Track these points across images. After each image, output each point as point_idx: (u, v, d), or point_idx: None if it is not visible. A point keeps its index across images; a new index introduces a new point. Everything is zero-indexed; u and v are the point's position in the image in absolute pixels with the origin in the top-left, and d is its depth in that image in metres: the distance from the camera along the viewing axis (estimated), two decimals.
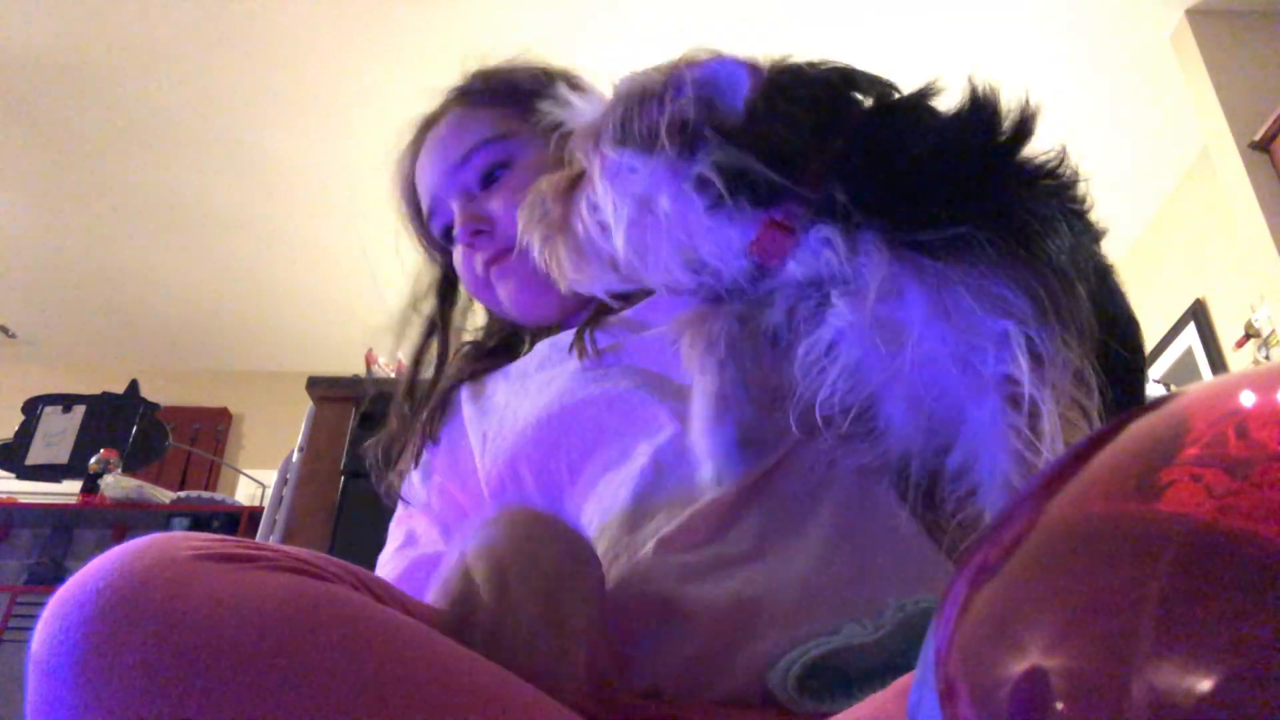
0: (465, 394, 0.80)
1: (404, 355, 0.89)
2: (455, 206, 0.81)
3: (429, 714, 0.36)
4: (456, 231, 0.81)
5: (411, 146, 0.89)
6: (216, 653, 0.34)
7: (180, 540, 0.39)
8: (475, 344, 0.89)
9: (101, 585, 0.36)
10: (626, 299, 0.68)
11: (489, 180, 0.81)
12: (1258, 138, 2.72)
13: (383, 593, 0.44)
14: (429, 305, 0.89)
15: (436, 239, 0.87)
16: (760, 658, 0.48)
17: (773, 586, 0.51)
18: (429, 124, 0.88)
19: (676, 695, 0.51)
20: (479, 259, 0.81)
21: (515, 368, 0.77)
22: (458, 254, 0.83)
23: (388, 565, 0.76)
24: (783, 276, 0.53)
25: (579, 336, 0.71)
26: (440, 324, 0.88)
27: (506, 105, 0.83)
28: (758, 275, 0.54)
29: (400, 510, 0.82)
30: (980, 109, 0.51)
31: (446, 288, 0.90)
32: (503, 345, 0.88)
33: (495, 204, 0.79)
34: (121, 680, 0.34)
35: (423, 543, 0.76)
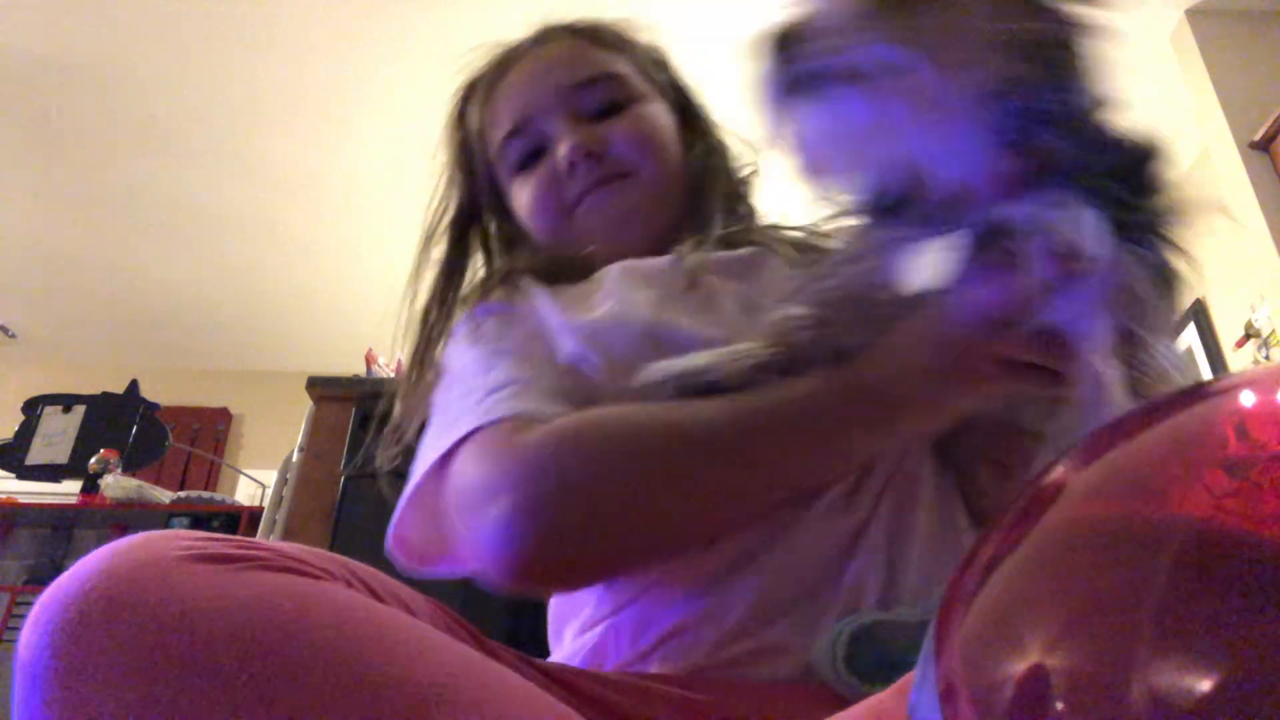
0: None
1: (419, 303, 0.81)
2: (563, 127, 0.75)
3: (422, 713, 0.36)
4: (562, 151, 0.74)
5: (496, 66, 0.83)
6: (199, 656, 0.34)
7: (169, 539, 0.39)
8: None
9: (88, 587, 0.36)
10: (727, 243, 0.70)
11: (606, 112, 0.76)
12: (1258, 138, 2.72)
13: (380, 589, 0.43)
14: (444, 247, 0.83)
15: (491, 166, 0.80)
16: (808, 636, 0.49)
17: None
18: (519, 52, 0.82)
19: (713, 678, 0.51)
20: (574, 185, 0.75)
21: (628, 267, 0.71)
22: (528, 185, 0.77)
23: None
24: (985, 211, 0.50)
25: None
26: (457, 264, 0.82)
27: (624, 54, 0.80)
28: (960, 202, 0.50)
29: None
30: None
31: (468, 223, 0.84)
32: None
33: (614, 131, 0.75)
34: (103, 683, 0.34)
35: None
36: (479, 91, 0.82)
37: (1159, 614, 0.20)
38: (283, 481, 1.78)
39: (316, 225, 3.99)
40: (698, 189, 0.79)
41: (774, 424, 0.52)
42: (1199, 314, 3.40)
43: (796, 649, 0.50)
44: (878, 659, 0.46)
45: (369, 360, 2.52)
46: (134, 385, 3.30)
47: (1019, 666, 0.22)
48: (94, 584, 0.36)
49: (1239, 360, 3.19)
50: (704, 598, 0.53)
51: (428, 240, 0.83)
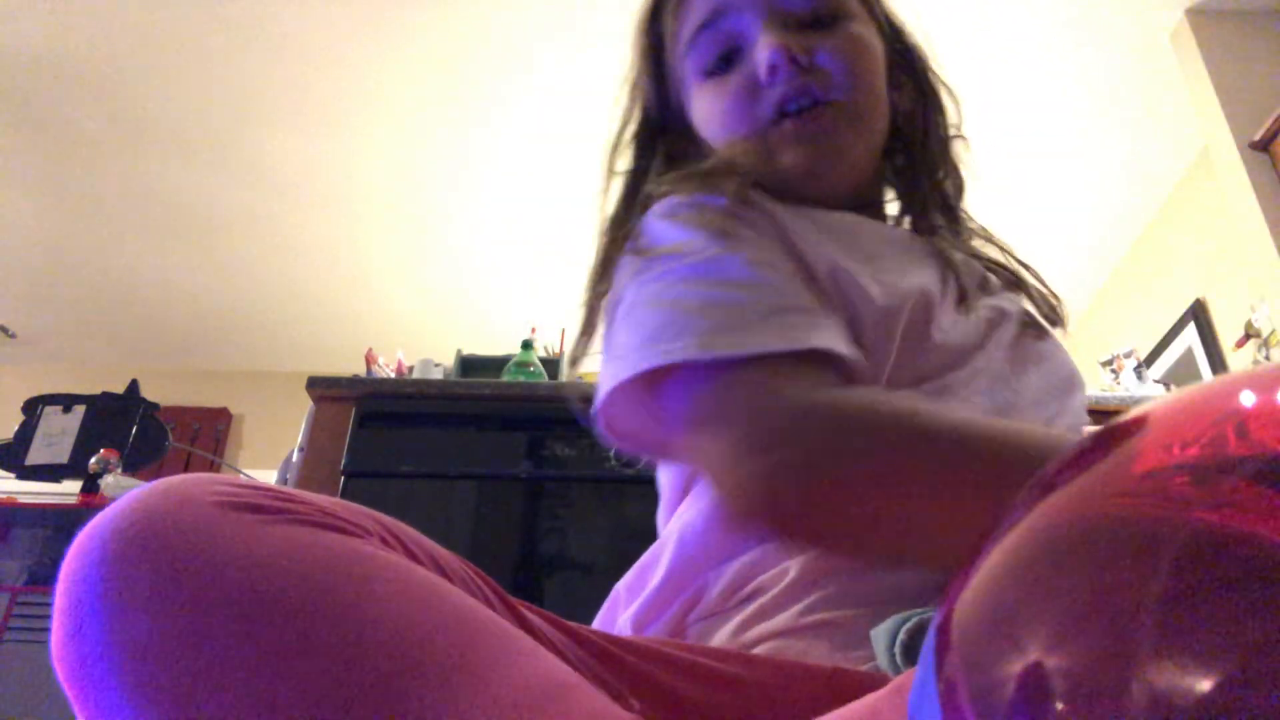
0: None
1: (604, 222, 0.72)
2: (768, 27, 0.66)
3: (441, 679, 0.36)
4: (763, 53, 0.65)
5: None
6: (230, 611, 0.35)
7: (207, 483, 0.39)
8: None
9: (123, 525, 0.36)
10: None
11: (814, 23, 0.67)
12: (1258, 138, 2.72)
13: (416, 548, 0.43)
14: (627, 160, 0.75)
15: (681, 63, 0.71)
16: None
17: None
18: None
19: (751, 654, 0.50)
20: (773, 94, 0.65)
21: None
22: (718, 92, 0.68)
23: None
24: None
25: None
26: (646, 173, 0.73)
27: None
28: None
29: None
30: None
31: (654, 137, 0.75)
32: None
33: (823, 44, 0.66)
34: (132, 630, 0.34)
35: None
36: None
37: (1159, 614, 0.20)
38: (283, 481, 1.78)
39: (316, 225, 3.99)
40: (901, 137, 0.73)
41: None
42: (1199, 314, 3.40)
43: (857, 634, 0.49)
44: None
45: (369, 360, 2.52)
46: (134, 385, 3.30)
47: (1019, 666, 0.22)
48: (133, 520, 0.36)
49: (1239, 360, 3.19)
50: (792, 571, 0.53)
51: (612, 154, 0.75)
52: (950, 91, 0.75)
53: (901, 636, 0.45)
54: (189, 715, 0.33)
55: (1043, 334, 0.67)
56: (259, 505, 0.39)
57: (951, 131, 0.75)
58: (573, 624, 0.49)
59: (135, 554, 0.36)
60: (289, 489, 0.42)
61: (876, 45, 0.70)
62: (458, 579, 0.43)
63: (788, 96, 0.65)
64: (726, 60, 0.68)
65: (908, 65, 0.75)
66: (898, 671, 0.45)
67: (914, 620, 0.46)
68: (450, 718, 0.35)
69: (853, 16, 0.69)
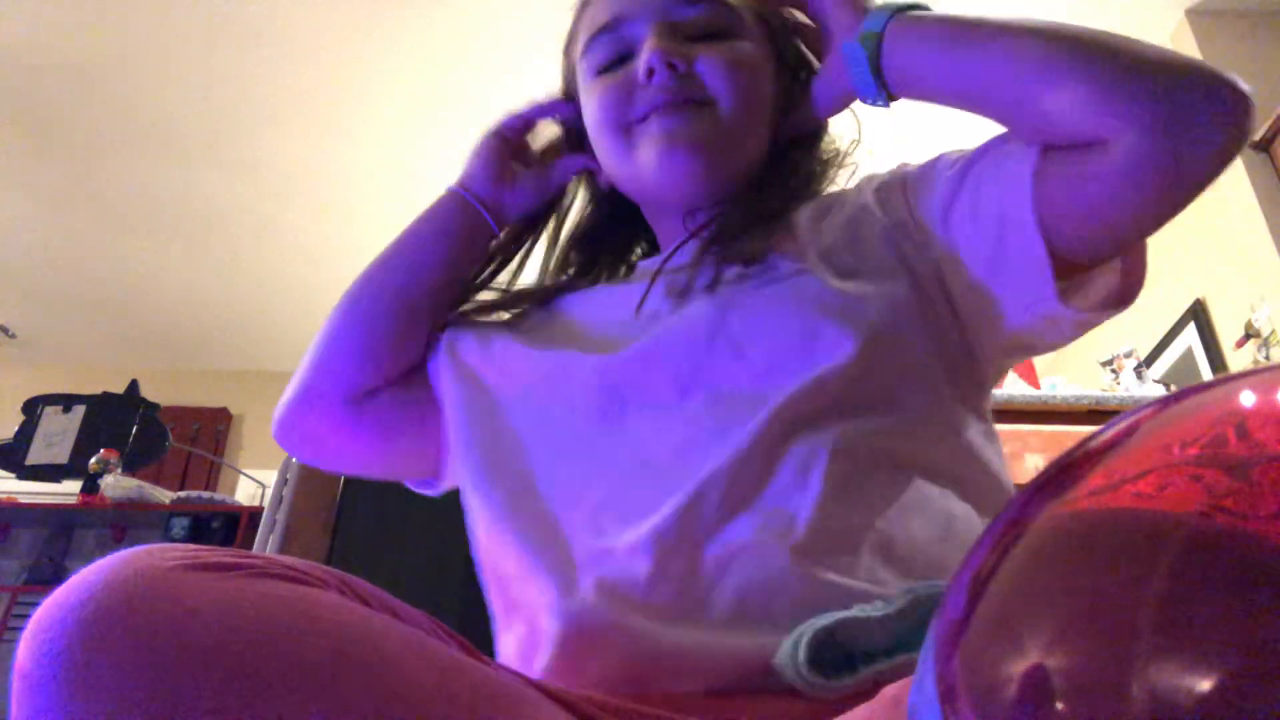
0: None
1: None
2: (652, 31, 0.69)
3: (423, 711, 0.37)
4: (643, 55, 0.68)
5: None
6: (196, 658, 0.35)
7: (164, 551, 0.39)
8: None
9: (85, 597, 0.36)
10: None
11: (704, 36, 0.70)
12: (1258, 138, 2.72)
13: (371, 599, 0.44)
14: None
15: (579, 67, 0.75)
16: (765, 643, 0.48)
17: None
18: None
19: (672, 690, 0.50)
20: (646, 95, 0.68)
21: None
22: (602, 86, 0.71)
23: None
24: None
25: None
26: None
27: (757, 10, 0.74)
28: None
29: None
30: None
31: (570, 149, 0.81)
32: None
33: (705, 52, 0.69)
34: (105, 689, 0.34)
35: None
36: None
37: (1159, 614, 0.20)
38: (283, 481, 1.78)
39: (316, 225, 3.99)
40: (780, 157, 0.74)
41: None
42: (1199, 314, 3.40)
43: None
44: (839, 661, 0.46)
45: None
46: (134, 385, 3.30)
47: (1019, 666, 0.22)
48: (95, 593, 0.36)
49: (1239, 360, 3.19)
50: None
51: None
52: (855, 119, 0.76)
53: (806, 641, 0.45)
54: None
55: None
56: (218, 564, 0.39)
57: (831, 155, 0.77)
58: (535, 679, 0.49)
59: (100, 630, 0.35)
60: (241, 550, 0.42)
61: (763, 64, 0.71)
62: (415, 627, 0.44)
63: (660, 99, 0.68)
64: (619, 62, 0.71)
65: (798, 91, 0.76)
66: (800, 678, 0.45)
67: (818, 627, 0.46)
68: None
69: (745, 35, 0.71)
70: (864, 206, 0.67)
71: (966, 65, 0.60)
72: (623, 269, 0.81)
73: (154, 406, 3.20)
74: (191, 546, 0.41)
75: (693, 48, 0.69)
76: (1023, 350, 0.67)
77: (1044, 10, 2.89)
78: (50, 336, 4.97)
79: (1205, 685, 0.19)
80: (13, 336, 4.89)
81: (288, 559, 0.42)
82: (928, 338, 0.61)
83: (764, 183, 0.72)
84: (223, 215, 3.96)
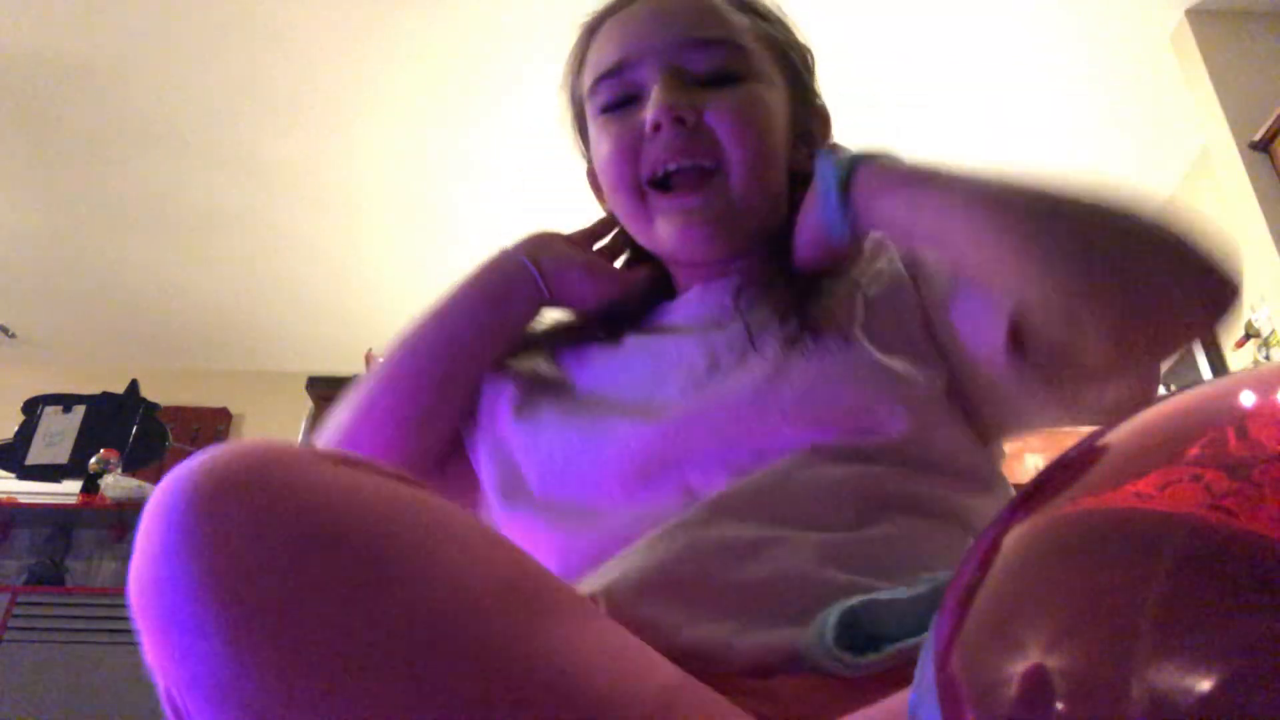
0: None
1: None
2: (660, 81, 0.65)
3: (528, 613, 0.39)
4: (650, 109, 0.65)
5: (613, 6, 0.72)
6: (325, 537, 0.36)
7: (286, 443, 0.41)
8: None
9: (212, 465, 0.37)
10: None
11: (715, 80, 0.66)
12: (1258, 138, 2.72)
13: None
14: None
15: (586, 105, 0.72)
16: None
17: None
18: None
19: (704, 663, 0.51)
20: (653, 150, 0.66)
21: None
22: (610, 136, 0.68)
23: None
24: None
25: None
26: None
27: (760, 27, 0.70)
28: None
29: None
30: None
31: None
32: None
33: (714, 102, 0.65)
34: (227, 555, 0.34)
35: None
36: (590, 31, 0.74)
37: (1159, 614, 0.20)
38: None
39: (316, 225, 3.99)
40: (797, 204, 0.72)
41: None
42: None
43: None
44: (865, 642, 0.46)
45: (369, 360, 2.52)
46: (134, 385, 3.30)
47: (1019, 666, 0.22)
48: (228, 462, 0.37)
49: (1239, 360, 3.19)
50: None
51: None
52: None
53: (834, 620, 0.46)
54: (287, 648, 0.34)
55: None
56: (346, 459, 0.41)
57: None
58: None
59: (228, 492, 0.36)
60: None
61: (777, 107, 0.69)
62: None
63: (668, 157, 0.65)
64: (626, 101, 0.69)
65: (815, 137, 0.74)
66: (828, 655, 0.45)
67: (846, 606, 0.46)
68: (539, 652, 0.37)
69: (757, 77, 0.68)
70: (899, 279, 0.66)
71: (931, 232, 0.59)
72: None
73: (154, 406, 3.20)
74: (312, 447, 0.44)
75: (702, 96, 0.66)
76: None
77: (1044, 11, 2.89)
78: (50, 336, 4.97)
79: (1205, 685, 0.19)
80: (13, 336, 4.89)
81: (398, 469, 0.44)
82: (963, 414, 0.62)
83: (790, 224, 0.69)
84: (223, 215, 3.95)
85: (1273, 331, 2.99)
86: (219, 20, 2.99)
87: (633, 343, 0.69)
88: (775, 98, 0.69)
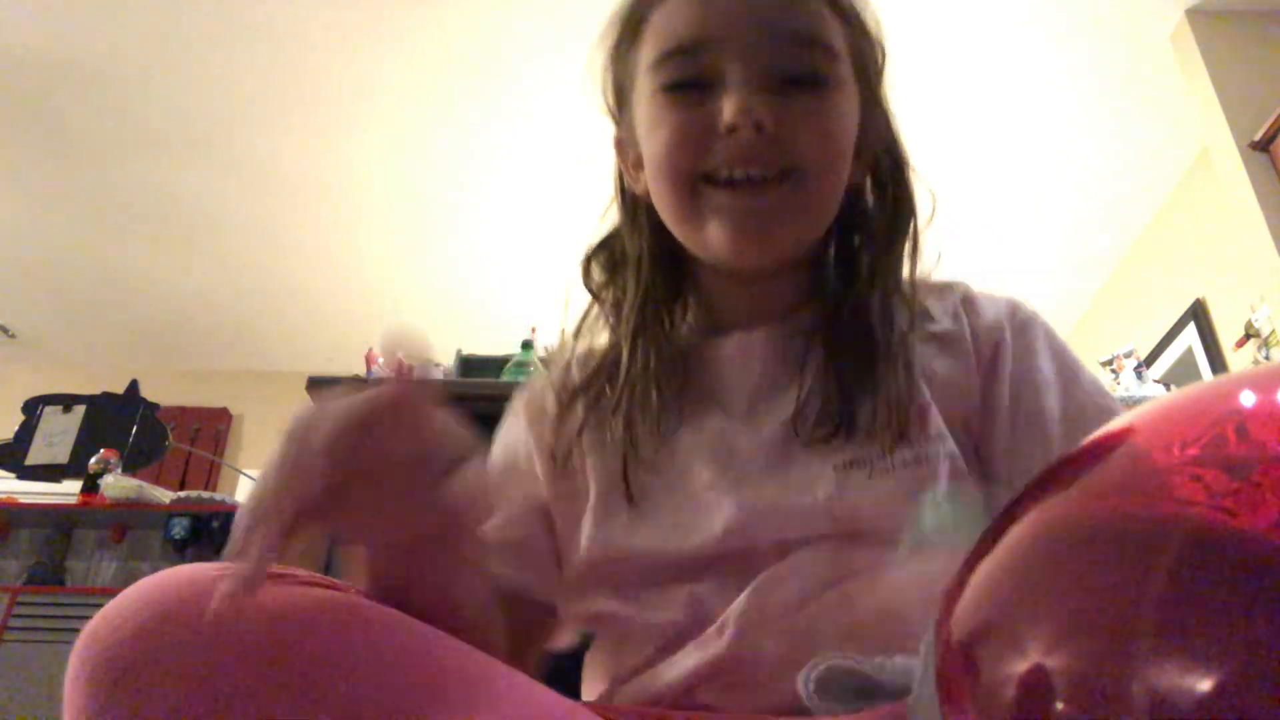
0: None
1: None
2: (742, 76, 0.59)
3: (467, 701, 0.38)
4: (729, 110, 0.58)
5: None
6: (250, 655, 0.37)
7: (202, 566, 0.42)
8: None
9: (138, 605, 0.39)
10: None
11: (802, 80, 0.60)
12: (1258, 138, 2.72)
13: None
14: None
15: (638, 70, 0.65)
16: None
17: None
18: None
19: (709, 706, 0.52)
20: (721, 151, 0.60)
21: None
22: (672, 122, 0.62)
23: None
24: None
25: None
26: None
27: (852, 32, 0.65)
28: None
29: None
30: None
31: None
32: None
33: (796, 112, 0.60)
34: (160, 686, 0.36)
35: None
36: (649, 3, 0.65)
37: (1159, 614, 0.20)
38: None
39: (316, 225, 3.99)
40: (860, 213, 0.68)
41: None
42: (1199, 314, 3.40)
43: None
44: (848, 691, 0.46)
45: (369, 360, 2.52)
46: (134, 385, 3.30)
47: (1019, 667, 0.22)
48: (141, 604, 0.39)
49: (1239, 360, 3.19)
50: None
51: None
52: (929, 191, 0.68)
53: (818, 673, 0.46)
54: None
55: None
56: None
57: (919, 235, 0.67)
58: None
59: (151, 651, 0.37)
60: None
61: (852, 119, 0.64)
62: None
63: (739, 162, 0.60)
64: (694, 84, 0.61)
65: (883, 166, 0.68)
66: (809, 700, 0.45)
67: (830, 660, 0.46)
68: None
69: (840, 84, 0.62)
70: (963, 354, 0.63)
71: None
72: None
73: (154, 406, 3.20)
74: (219, 565, 0.43)
75: (786, 102, 0.59)
76: None
77: (1044, 10, 2.89)
78: (50, 336, 4.97)
79: (1205, 685, 0.19)
80: (13, 336, 4.89)
81: (320, 577, 0.45)
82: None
83: (839, 241, 0.66)
84: (223, 215, 3.95)
85: (1273, 331, 2.99)
86: (220, 21, 2.99)
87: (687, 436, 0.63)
88: (852, 109, 0.64)
